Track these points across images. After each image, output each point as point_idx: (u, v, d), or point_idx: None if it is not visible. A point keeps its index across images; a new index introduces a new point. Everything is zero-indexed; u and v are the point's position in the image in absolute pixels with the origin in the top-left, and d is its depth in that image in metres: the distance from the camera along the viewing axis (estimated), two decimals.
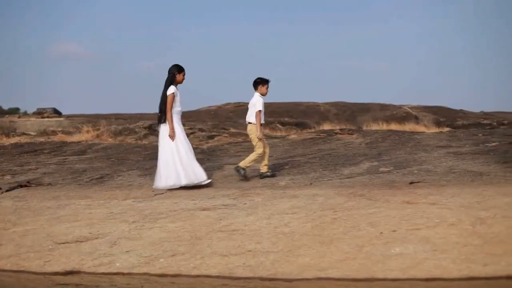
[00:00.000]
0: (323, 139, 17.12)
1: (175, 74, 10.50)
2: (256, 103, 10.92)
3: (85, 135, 21.44)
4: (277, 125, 35.56)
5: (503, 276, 5.25)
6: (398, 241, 6.23)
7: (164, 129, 10.42)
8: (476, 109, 51.89)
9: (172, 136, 10.31)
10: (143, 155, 15.39)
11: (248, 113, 11.13)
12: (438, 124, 38.07)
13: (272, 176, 10.95)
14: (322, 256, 6.05)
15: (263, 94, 11.00)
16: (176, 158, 10.21)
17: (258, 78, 11.09)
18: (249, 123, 11.02)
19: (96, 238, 7.31)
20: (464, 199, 7.75)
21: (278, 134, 22.27)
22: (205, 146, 17.27)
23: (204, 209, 8.33)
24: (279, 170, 11.51)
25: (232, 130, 24.61)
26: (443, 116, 45.64)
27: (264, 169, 11.00)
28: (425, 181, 9.52)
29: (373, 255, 5.92)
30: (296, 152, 14.65)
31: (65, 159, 15.38)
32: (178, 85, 10.56)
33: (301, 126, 34.38)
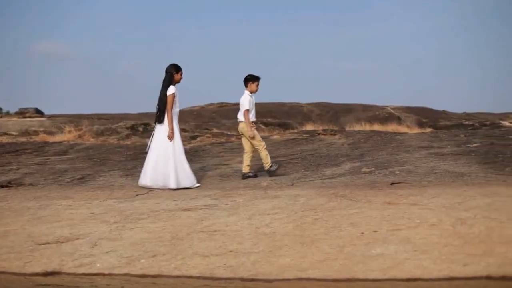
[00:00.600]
0: (305, 140, 17.15)
1: (173, 73, 10.49)
2: (243, 102, 11.00)
3: (67, 135, 21.36)
4: (260, 125, 35.51)
5: (483, 276, 5.26)
6: (379, 242, 6.23)
7: (161, 129, 10.41)
8: (459, 110, 52.03)
9: (171, 137, 10.31)
10: (125, 156, 15.35)
11: (239, 112, 11.19)
12: (420, 125, 38.19)
13: (254, 176, 10.96)
14: (303, 256, 6.04)
15: (252, 92, 11.04)
16: (170, 160, 10.23)
17: (249, 75, 11.12)
18: (241, 121, 11.05)
19: (77, 238, 7.26)
20: (445, 200, 7.79)
21: (261, 134, 22.21)
22: (187, 147, 17.22)
23: (185, 210, 8.31)
24: (261, 171, 11.51)
25: (215, 130, 24.58)
26: (426, 117, 45.74)
27: (246, 169, 11.02)
28: (406, 181, 9.56)
29: (354, 256, 5.92)
30: (278, 153, 14.65)
31: (47, 159, 15.31)
32: (176, 84, 10.56)
33: (284, 126, 34.35)
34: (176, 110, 10.49)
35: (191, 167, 10.51)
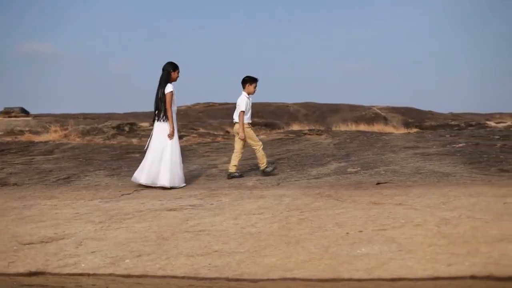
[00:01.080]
0: (291, 140, 17.14)
1: (170, 71, 10.51)
2: (240, 103, 11.04)
3: (52, 135, 21.24)
4: (247, 125, 35.51)
5: (467, 276, 5.29)
6: (364, 242, 6.25)
7: (160, 127, 10.47)
8: (445, 111, 52.19)
9: (171, 135, 10.38)
10: (110, 155, 15.30)
11: (235, 112, 11.24)
12: (406, 125, 38.25)
13: (240, 176, 10.96)
14: (288, 256, 6.05)
15: (250, 93, 11.09)
16: (167, 159, 10.30)
17: (247, 77, 11.16)
18: (235, 122, 11.07)
19: (62, 238, 7.24)
20: (430, 200, 7.82)
21: None
22: None
23: (171, 210, 8.31)
24: (247, 171, 11.50)
25: (201, 130, 24.53)
26: (412, 117, 45.86)
27: (232, 169, 11.02)
28: (391, 181, 9.58)
29: (339, 256, 5.94)
30: (264, 153, 14.64)
31: (32, 159, 15.23)
32: (173, 82, 10.57)
33: (270, 126, 34.31)
34: (174, 108, 10.52)
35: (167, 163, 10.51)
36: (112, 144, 18.31)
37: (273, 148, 15.41)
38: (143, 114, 44.48)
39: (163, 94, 10.36)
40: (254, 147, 11.13)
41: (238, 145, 11.15)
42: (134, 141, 18.63)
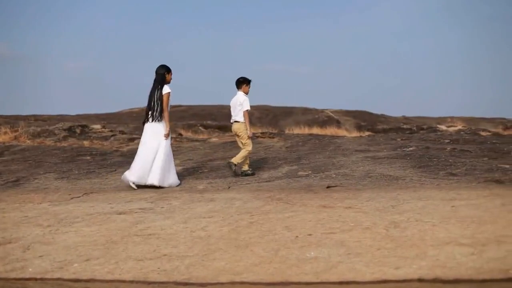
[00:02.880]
0: None
1: (165, 74, 10.67)
2: (243, 102, 11.28)
3: (2, 137, 20.93)
4: (200, 128, 35.49)
5: (415, 279, 5.33)
6: (313, 245, 6.26)
7: (154, 127, 10.60)
8: (398, 114, 52.86)
9: (168, 136, 10.56)
10: (61, 158, 15.14)
11: (234, 112, 11.46)
12: (359, 128, 38.62)
13: (252, 174, 11.34)
14: (237, 260, 6.04)
15: (246, 93, 11.31)
16: (160, 159, 10.45)
17: (242, 78, 11.45)
18: (236, 121, 11.23)
19: (9, 242, 7.13)
20: (379, 203, 7.88)
21: (200, 137, 22.20)
22: (125, 149, 17.06)
23: (120, 213, 8.24)
24: (198, 173, 11.50)
25: None
26: (364, 120, 46.33)
27: (245, 167, 11.28)
28: (342, 185, 9.64)
29: (288, 259, 5.94)
30: (216, 156, 14.65)
31: None
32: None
33: (224, 129, 34.31)
34: (168, 109, 10.68)
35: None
36: (63, 146, 18.12)
37: (225, 151, 15.41)
38: (96, 116, 44.18)
39: (161, 95, 10.52)
40: (243, 147, 11.35)
41: (247, 142, 11.41)
42: (86, 143, 18.45)
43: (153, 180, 10.31)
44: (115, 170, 12.73)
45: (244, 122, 11.20)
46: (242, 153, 11.27)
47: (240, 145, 11.42)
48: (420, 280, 5.32)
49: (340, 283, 5.40)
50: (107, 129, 22.37)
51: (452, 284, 5.23)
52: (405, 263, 5.64)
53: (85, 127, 22.26)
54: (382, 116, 49.98)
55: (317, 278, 5.48)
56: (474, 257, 5.64)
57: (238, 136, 11.38)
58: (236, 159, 11.25)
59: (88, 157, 14.91)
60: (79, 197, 9.70)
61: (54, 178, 11.98)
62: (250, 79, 11.45)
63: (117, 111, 50.21)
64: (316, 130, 28.18)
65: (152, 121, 10.54)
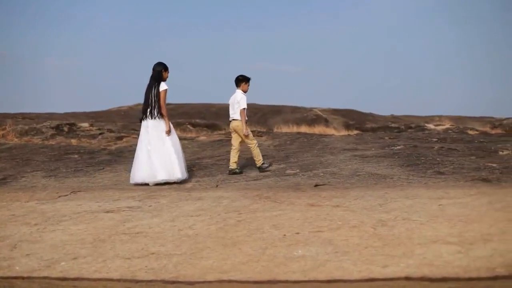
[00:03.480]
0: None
1: (162, 71, 10.70)
2: (240, 100, 11.27)
3: None
4: (188, 126, 35.43)
5: (402, 277, 5.33)
6: (301, 244, 6.26)
7: (154, 125, 10.60)
8: (387, 113, 52.94)
9: (169, 131, 10.57)
10: (49, 156, 15.07)
11: (232, 110, 11.44)
12: (347, 127, 38.64)
13: (240, 173, 11.34)
14: (225, 258, 6.03)
15: (244, 91, 11.36)
16: (172, 153, 10.53)
17: (241, 76, 11.46)
18: (234, 119, 11.26)
19: None
20: (367, 202, 7.90)
21: (189, 135, 22.17)
22: (113, 147, 17.01)
23: (108, 211, 8.21)
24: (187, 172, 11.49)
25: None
26: (353, 119, 46.36)
27: (233, 165, 11.41)
28: (330, 183, 9.64)
29: (276, 258, 5.94)
30: (204, 154, 14.64)
31: None
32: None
33: (212, 127, 34.35)
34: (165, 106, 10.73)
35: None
36: (51, 144, 18.05)
37: (213, 149, 15.41)
38: (84, 114, 44.03)
39: (158, 92, 10.56)
40: (249, 145, 11.39)
41: (235, 142, 11.45)
42: (74, 141, 18.39)
43: (178, 174, 10.44)
44: (103, 168, 12.70)
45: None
46: (254, 151, 11.36)
47: (234, 142, 11.39)
48: (407, 278, 5.33)
49: (328, 281, 5.40)
50: (95, 128, 22.27)
51: (439, 282, 5.24)
52: (392, 261, 5.65)
53: (73, 125, 22.16)
54: (371, 114, 50.04)
55: (304, 277, 5.48)
56: (461, 256, 5.66)
57: (237, 133, 11.34)
58: (257, 162, 11.38)
59: (76, 156, 14.86)
60: (67, 195, 9.67)
61: (41, 176, 11.93)
62: (249, 77, 11.48)
63: (106, 109, 50.12)
64: (304, 129, 28.24)
65: (151, 118, 10.54)
